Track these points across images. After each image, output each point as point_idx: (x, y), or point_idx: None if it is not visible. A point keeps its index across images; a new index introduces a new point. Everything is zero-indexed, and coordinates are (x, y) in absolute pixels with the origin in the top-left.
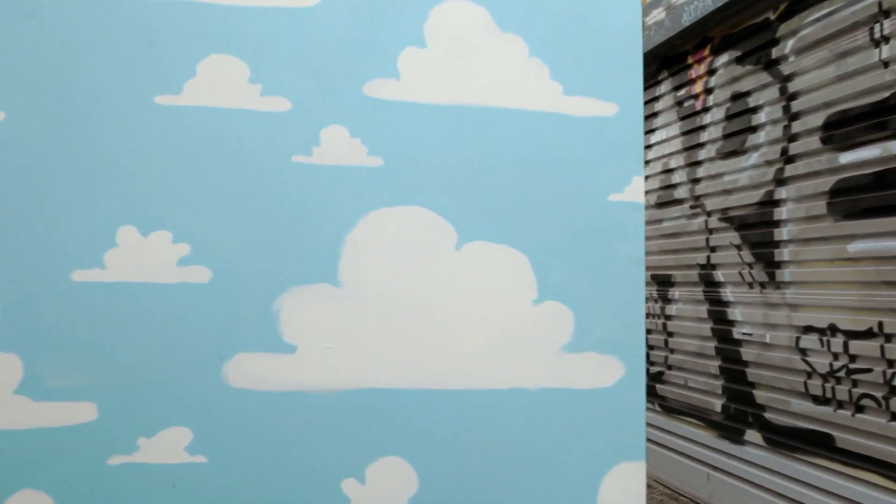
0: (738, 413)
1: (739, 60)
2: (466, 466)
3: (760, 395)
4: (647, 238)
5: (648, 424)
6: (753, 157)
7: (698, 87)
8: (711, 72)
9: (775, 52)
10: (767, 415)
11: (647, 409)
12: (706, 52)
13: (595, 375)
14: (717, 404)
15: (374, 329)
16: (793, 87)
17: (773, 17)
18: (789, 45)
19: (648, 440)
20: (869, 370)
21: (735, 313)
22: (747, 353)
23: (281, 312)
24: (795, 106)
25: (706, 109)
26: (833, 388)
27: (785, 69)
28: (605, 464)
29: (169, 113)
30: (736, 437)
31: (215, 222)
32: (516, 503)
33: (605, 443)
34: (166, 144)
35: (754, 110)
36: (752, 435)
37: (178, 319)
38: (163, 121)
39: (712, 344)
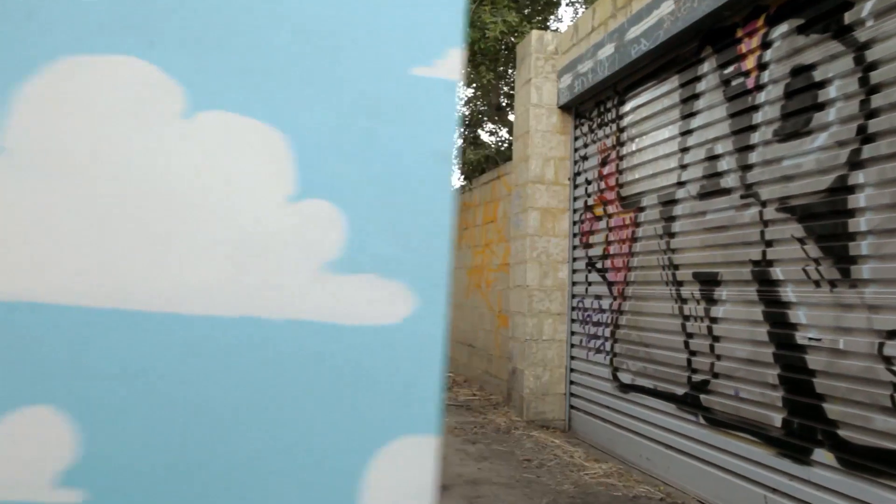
0: (804, 429)
1: (802, 29)
2: (160, 427)
3: (832, 410)
4: (689, 233)
5: (690, 438)
6: (821, 138)
7: (750, 63)
8: (766, 45)
9: (848, 17)
10: (842, 432)
11: (690, 421)
12: (760, 22)
13: (372, 307)
14: (777, 418)
15: (48, 218)
16: (871, 55)
17: None
18: (867, 7)
19: (689, 455)
20: None
21: (798, 315)
22: (814, 360)
23: None
24: (875, 77)
25: (759, 87)
26: None
27: (861, 36)
28: (378, 436)
29: None
30: (801, 456)
31: None
32: (232, 487)
33: (380, 405)
34: None
35: (821, 85)
36: (821, 454)
37: None
38: None
39: (769, 350)
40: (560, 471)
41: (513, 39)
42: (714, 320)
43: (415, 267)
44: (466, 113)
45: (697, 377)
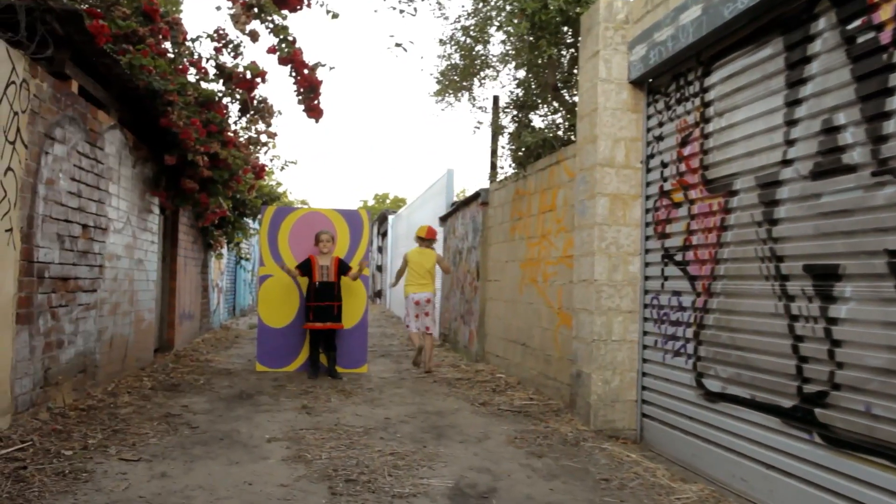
0: None
1: None
2: None
3: None
4: (798, 219)
5: (801, 459)
6: None
7: (886, 13)
8: None
9: None
10: None
11: (802, 439)
12: None
13: None
14: None
15: None
16: None
17: None
18: None
19: (801, 479)
20: None
21: None
22: None
23: None
24: None
25: None
26: None
27: None
28: None
29: None
30: None
31: None
32: None
33: None
34: None
35: None
36: None
37: None
38: None
39: None
40: (646, 494)
41: (578, 10)
42: (833, 321)
43: None
44: (520, 94)
45: (811, 388)
